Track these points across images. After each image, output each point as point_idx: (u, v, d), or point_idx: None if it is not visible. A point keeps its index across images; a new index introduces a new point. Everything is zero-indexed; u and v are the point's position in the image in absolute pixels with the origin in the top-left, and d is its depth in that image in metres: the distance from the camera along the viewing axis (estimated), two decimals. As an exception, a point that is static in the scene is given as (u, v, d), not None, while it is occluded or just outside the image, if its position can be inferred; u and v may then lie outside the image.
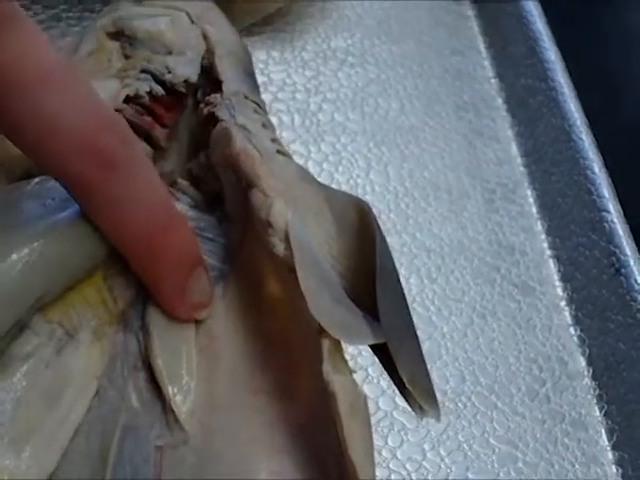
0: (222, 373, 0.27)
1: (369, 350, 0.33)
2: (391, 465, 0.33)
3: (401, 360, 0.25)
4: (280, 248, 0.26)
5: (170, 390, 0.26)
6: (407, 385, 0.25)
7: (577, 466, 0.35)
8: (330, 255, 0.28)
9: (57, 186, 0.26)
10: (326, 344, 0.24)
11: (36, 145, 0.24)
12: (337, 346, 0.25)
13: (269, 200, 0.27)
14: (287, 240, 0.26)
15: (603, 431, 0.36)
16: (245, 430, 0.26)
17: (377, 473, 0.24)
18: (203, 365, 0.27)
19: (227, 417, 0.26)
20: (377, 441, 0.34)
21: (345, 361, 0.25)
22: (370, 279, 0.26)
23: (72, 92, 0.24)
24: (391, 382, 0.34)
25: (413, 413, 0.26)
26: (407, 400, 0.26)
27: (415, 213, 0.40)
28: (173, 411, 0.26)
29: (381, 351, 0.26)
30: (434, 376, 0.27)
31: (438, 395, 0.34)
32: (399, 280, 0.27)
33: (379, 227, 0.27)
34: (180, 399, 0.26)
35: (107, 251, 0.26)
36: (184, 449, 0.26)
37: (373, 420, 0.25)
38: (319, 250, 0.27)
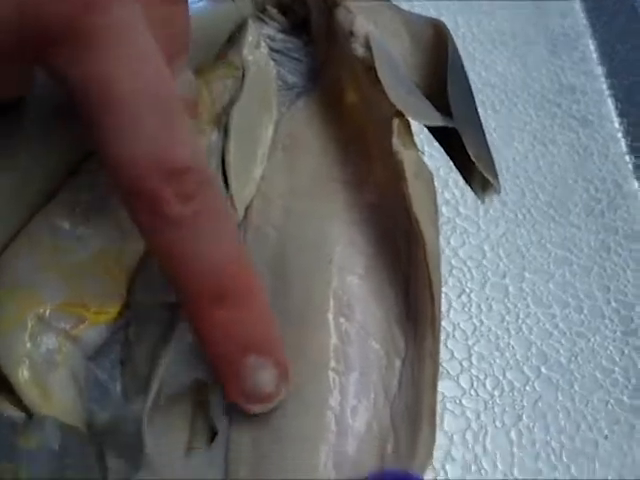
0: (302, 167, 0.30)
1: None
2: (453, 261, 0.36)
3: (468, 139, 0.28)
4: (360, 50, 0.29)
5: (234, 183, 0.29)
6: (473, 158, 0.27)
7: (629, 272, 0.37)
8: (406, 66, 0.31)
9: None
10: (396, 122, 0.27)
11: (116, 155, 0.22)
12: (407, 127, 0.28)
13: (351, 15, 0.30)
14: (367, 44, 0.29)
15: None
16: (322, 209, 0.29)
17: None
18: (285, 160, 0.30)
19: (306, 200, 0.29)
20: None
21: (414, 142, 0.28)
22: (442, 86, 0.29)
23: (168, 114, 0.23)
24: (454, 194, 0.38)
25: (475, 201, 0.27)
26: (469, 182, 0.28)
27: (482, 55, 0.43)
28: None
29: (448, 142, 0.29)
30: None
31: (497, 205, 0.38)
32: (468, 81, 0.30)
33: (452, 40, 0.30)
34: (239, 190, 0.29)
35: None
36: (267, 228, 0.29)
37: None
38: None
